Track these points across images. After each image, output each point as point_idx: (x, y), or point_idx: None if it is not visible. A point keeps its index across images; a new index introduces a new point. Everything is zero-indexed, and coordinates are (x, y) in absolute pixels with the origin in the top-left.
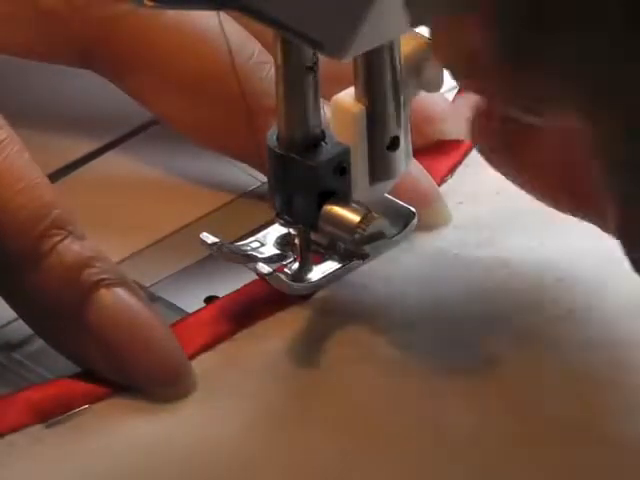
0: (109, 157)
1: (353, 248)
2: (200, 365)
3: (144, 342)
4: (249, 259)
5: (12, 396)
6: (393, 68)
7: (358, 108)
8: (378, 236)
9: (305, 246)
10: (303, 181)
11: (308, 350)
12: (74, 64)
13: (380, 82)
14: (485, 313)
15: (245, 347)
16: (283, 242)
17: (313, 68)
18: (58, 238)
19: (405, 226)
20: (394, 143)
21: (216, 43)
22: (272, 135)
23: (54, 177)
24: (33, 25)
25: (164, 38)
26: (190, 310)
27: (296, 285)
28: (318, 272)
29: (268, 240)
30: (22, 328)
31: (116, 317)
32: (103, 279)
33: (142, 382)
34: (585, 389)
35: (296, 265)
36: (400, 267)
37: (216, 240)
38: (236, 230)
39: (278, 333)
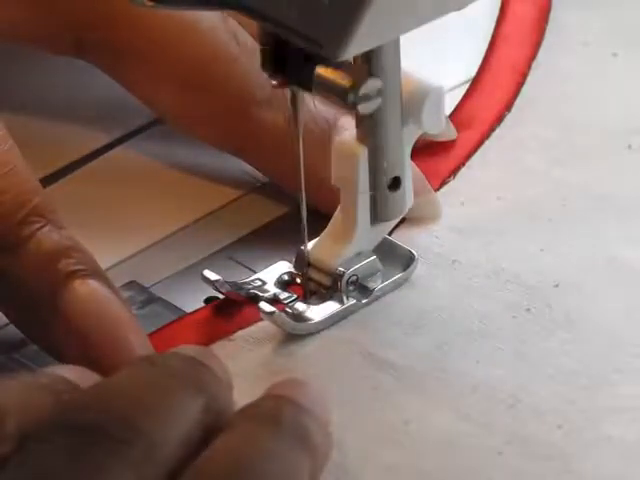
0: (116, 153)
1: (348, 109)
2: None
3: (114, 333)
4: (251, 298)
5: None
6: (395, 108)
7: (360, 149)
8: (372, 95)
9: (306, 284)
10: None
11: (305, 350)
12: (68, 53)
13: (381, 123)
14: (482, 319)
15: (242, 347)
16: (284, 281)
17: None
18: (37, 225)
19: (406, 267)
20: (395, 183)
21: (212, 33)
22: None
23: (61, 174)
24: (27, 9)
25: (160, 27)
26: (189, 310)
27: (298, 325)
28: (319, 312)
29: (269, 279)
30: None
31: (87, 308)
32: (79, 270)
33: (109, 372)
34: (580, 395)
35: (298, 304)
36: None
37: (218, 277)
38: (237, 230)
39: (275, 334)
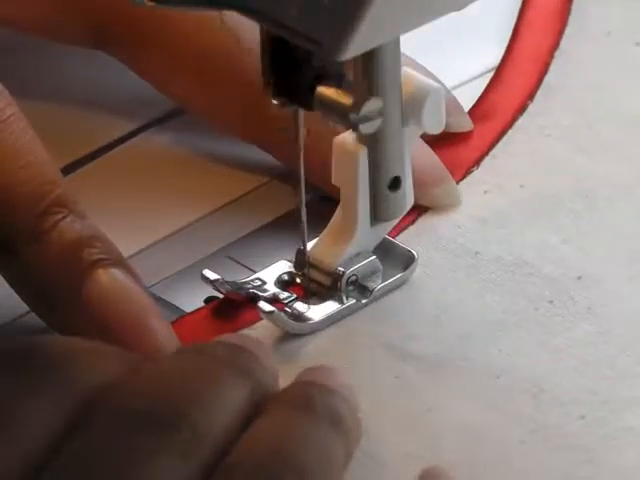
0: (114, 153)
1: (350, 129)
2: None
3: (137, 323)
4: (251, 297)
5: None
6: (395, 108)
7: (359, 149)
8: (373, 116)
9: (306, 285)
10: (298, 62)
11: (306, 350)
12: (86, 44)
13: (382, 122)
14: (504, 311)
15: None
16: (284, 281)
17: None
18: (60, 216)
19: (406, 268)
20: (395, 183)
21: (228, 24)
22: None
23: (75, 166)
24: (47, 2)
25: (178, 18)
26: (189, 310)
27: (297, 325)
28: (319, 312)
29: (269, 279)
30: (21, 329)
31: (111, 297)
32: (102, 259)
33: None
34: (602, 386)
35: (297, 304)
36: (422, 261)
37: (218, 277)
38: (237, 230)
39: (275, 334)
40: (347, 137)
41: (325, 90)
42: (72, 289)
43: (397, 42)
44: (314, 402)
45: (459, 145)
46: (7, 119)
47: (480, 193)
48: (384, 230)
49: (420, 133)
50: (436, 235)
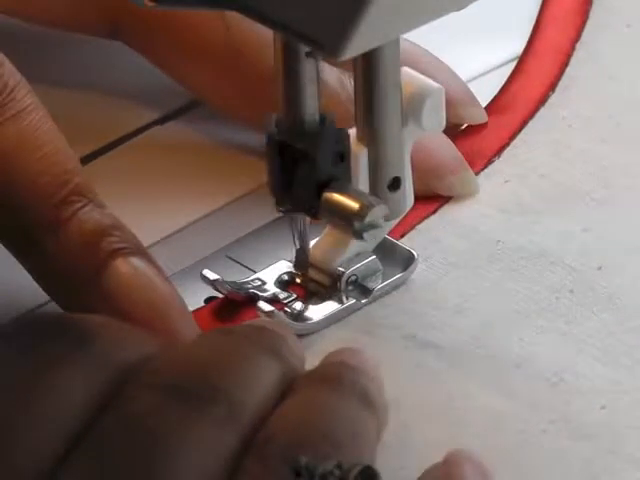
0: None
1: (354, 237)
2: None
3: (158, 311)
4: (251, 297)
5: None
6: (395, 108)
7: (359, 149)
8: (377, 224)
9: (306, 284)
10: (302, 168)
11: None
12: (102, 35)
13: (381, 122)
14: (526, 300)
15: None
16: (284, 281)
17: (312, 54)
18: (79, 205)
19: (406, 268)
20: (395, 183)
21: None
22: (271, 122)
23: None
24: None
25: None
26: (190, 310)
27: (297, 325)
28: (319, 312)
29: (269, 279)
30: None
31: (132, 285)
32: (121, 247)
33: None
34: (623, 375)
35: (297, 304)
36: (443, 250)
37: (217, 277)
38: (237, 230)
39: None
40: None
41: (331, 197)
42: (91, 278)
43: (397, 42)
44: (343, 380)
45: (480, 135)
46: (26, 108)
47: (501, 183)
48: (384, 230)
49: (420, 133)
50: (458, 223)
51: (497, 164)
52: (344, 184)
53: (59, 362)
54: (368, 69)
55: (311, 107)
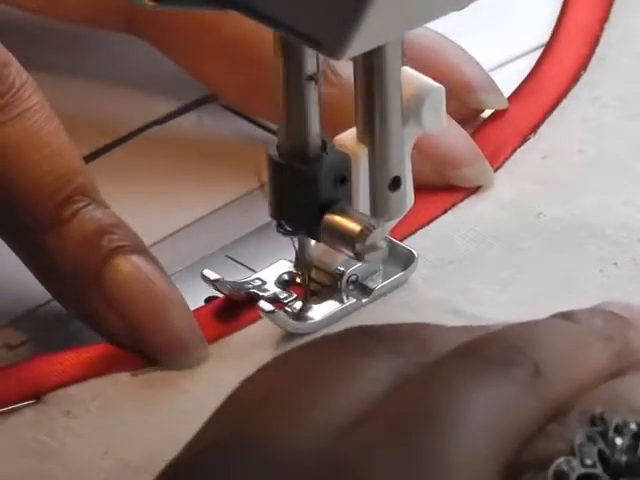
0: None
1: (355, 258)
2: None
3: (158, 310)
4: (251, 297)
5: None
6: (395, 108)
7: (360, 149)
8: (378, 246)
9: (307, 285)
10: (303, 191)
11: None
12: (119, 29)
13: (381, 123)
14: (566, 273)
15: (242, 347)
16: (284, 280)
17: (314, 78)
18: (81, 204)
19: (406, 267)
20: (395, 183)
21: None
22: (272, 144)
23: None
24: None
25: None
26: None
27: (298, 324)
28: (319, 311)
29: (269, 278)
30: (21, 329)
31: (132, 284)
32: (122, 246)
33: (155, 350)
34: None
35: (298, 304)
36: (483, 222)
37: (218, 277)
38: (237, 230)
39: (275, 334)
40: (347, 137)
41: (332, 219)
42: (92, 276)
43: (397, 42)
44: None
45: (515, 113)
46: (31, 108)
47: (538, 159)
48: (384, 230)
49: (420, 133)
50: (498, 200)
51: (533, 141)
52: (345, 206)
53: (369, 354)
54: (369, 69)
55: (313, 130)
